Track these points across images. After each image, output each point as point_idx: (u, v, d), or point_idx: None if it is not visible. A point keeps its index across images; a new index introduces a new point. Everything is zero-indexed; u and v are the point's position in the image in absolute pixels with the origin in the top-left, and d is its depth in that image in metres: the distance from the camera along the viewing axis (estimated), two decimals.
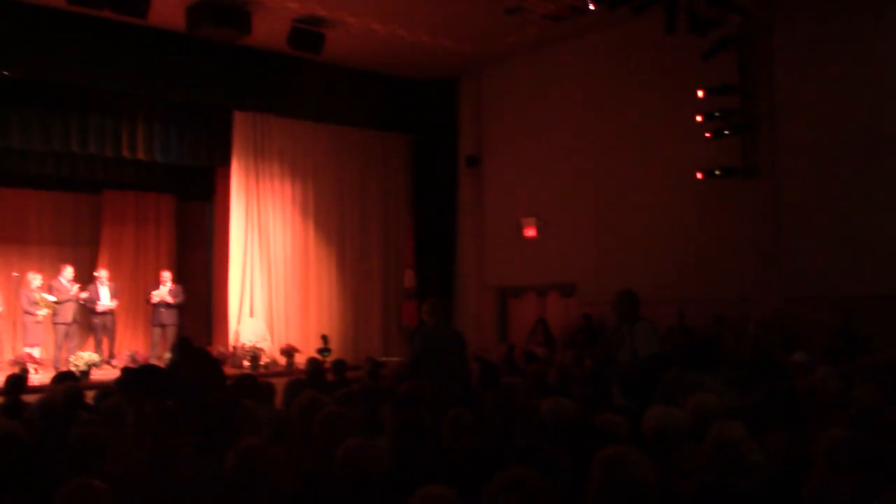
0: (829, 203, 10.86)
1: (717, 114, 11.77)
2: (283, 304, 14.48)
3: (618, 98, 13.29)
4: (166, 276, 13.95)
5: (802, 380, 6.65)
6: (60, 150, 12.92)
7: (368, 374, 9.30)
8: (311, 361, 9.24)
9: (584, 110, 13.79)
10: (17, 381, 7.97)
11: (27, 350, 12.38)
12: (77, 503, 3.04)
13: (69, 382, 7.20)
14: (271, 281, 14.36)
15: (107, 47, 12.06)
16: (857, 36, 10.75)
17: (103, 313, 13.42)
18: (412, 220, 16.02)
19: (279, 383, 7.29)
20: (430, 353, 7.27)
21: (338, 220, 15.31)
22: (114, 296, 13.64)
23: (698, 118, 11.90)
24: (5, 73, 11.54)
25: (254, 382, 6.68)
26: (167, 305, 13.64)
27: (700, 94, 11.83)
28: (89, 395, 7.13)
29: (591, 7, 11.33)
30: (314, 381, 7.92)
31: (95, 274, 13.83)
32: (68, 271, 13.17)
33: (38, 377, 10.91)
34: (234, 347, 13.58)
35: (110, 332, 13.66)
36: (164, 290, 13.69)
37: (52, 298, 12.68)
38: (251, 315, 14.05)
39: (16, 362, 11.93)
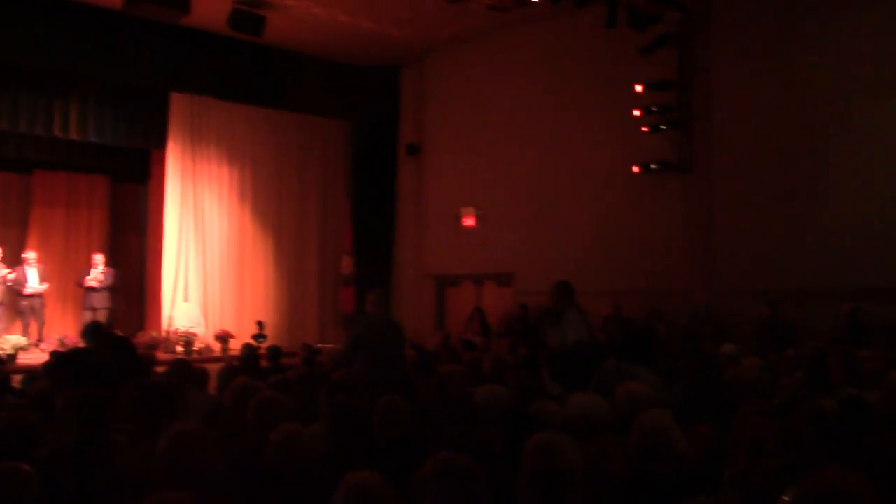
0: (760, 199, 11.13)
1: (654, 109, 11.97)
2: (219, 289, 14.32)
3: (558, 90, 13.41)
4: (98, 258, 13.63)
5: (730, 370, 6.85)
6: None
7: (304, 360, 9.27)
8: (246, 347, 9.16)
9: (524, 101, 13.88)
10: None
11: None
12: (4, 488, 2.98)
13: None
14: (206, 266, 14.18)
15: (40, 24, 11.74)
16: (791, 35, 11.02)
17: (31, 296, 13.09)
18: (351, 207, 15.96)
19: (213, 369, 7.22)
20: (368, 341, 7.28)
21: (275, 206, 15.17)
22: (43, 279, 13.30)
23: (636, 112, 12.08)
24: None
25: (188, 367, 6.61)
26: (98, 289, 13.35)
27: (638, 88, 12.01)
28: (16, 380, 6.98)
29: None
30: (248, 366, 7.86)
31: (24, 256, 13.47)
32: None
33: None
34: (167, 332, 13.39)
35: (39, 316, 13.32)
36: (97, 273, 13.40)
37: None
38: (185, 300, 13.87)
39: None
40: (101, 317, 13.20)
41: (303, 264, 15.46)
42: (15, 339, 11.69)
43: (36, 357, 11.30)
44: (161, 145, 13.95)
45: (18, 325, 13.23)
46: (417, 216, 15.74)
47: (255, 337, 12.90)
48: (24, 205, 15.33)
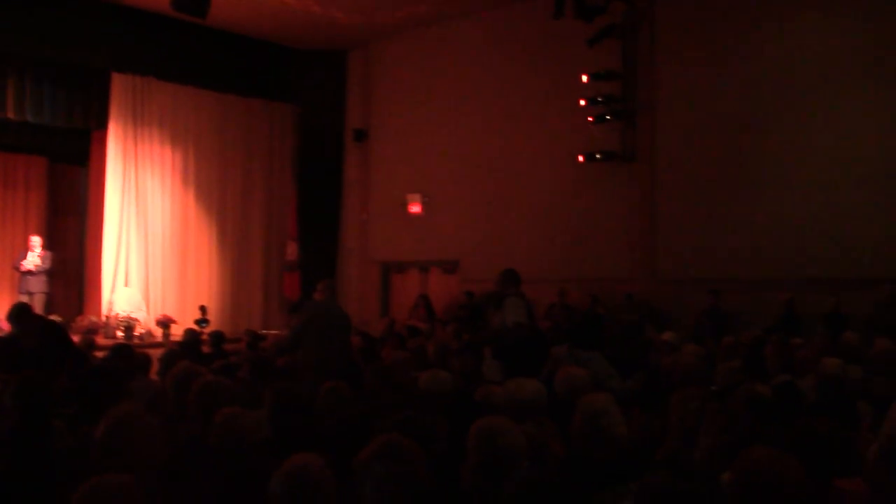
0: (702, 189, 11.34)
1: (599, 99, 12.10)
2: (161, 273, 14.10)
3: (505, 79, 13.47)
4: (36, 241, 13.30)
5: (669, 357, 6.99)
6: None
7: (248, 346, 9.21)
8: (188, 332, 9.08)
9: (471, 89, 13.92)
10: None
11: None
12: None
13: None
14: (148, 249, 13.94)
15: None
16: (733, 28, 11.23)
17: None
18: (296, 192, 15.83)
19: (155, 355, 7.15)
20: (314, 327, 7.29)
21: (219, 190, 14.98)
22: None
23: (582, 102, 12.19)
24: None
25: (130, 352, 6.53)
26: (35, 272, 13.04)
27: (584, 78, 12.13)
28: None
29: None
30: (189, 351, 7.79)
31: None
32: None
33: None
34: (107, 317, 13.15)
35: None
36: (33, 257, 13.09)
37: None
38: (126, 284, 13.62)
39: None
40: (38, 301, 12.90)
41: (247, 249, 15.30)
42: None
43: None
44: (102, 126, 13.65)
45: None
46: (363, 202, 15.70)
47: (197, 322, 12.75)
48: None
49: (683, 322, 10.68)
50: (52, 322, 8.42)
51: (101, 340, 11.22)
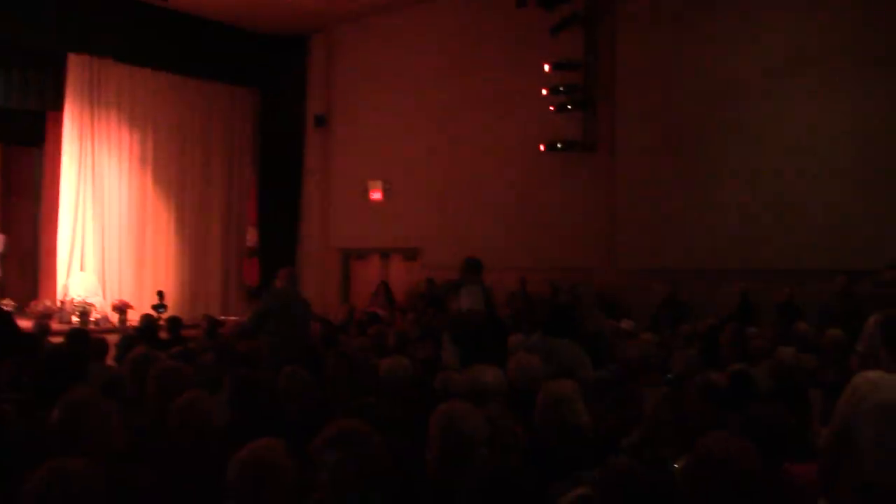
0: (661, 180, 11.45)
1: (561, 88, 12.15)
2: (117, 258, 13.92)
3: (468, 66, 13.46)
4: None
5: (626, 345, 7.08)
6: None
7: (206, 332, 9.13)
8: (145, 317, 8.98)
9: (434, 76, 13.89)
10: None
11: None
12: None
13: None
14: (105, 234, 13.75)
15: None
16: (692, 19, 11.33)
17: None
18: (256, 178, 15.70)
19: (111, 341, 7.07)
20: (274, 313, 7.28)
21: (178, 174, 14.81)
22: None
23: (544, 91, 12.24)
24: None
25: (86, 337, 6.44)
26: None
27: (546, 68, 12.17)
28: None
29: None
30: (147, 337, 7.71)
31: None
32: None
33: None
34: (62, 302, 12.96)
35: None
36: None
37: None
38: (82, 269, 13.43)
39: None
40: None
41: (206, 234, 15.16)
42: None
43: None
44: (58, 108, 13.41)
45: None
46: (324, 188, 15.62)
47: (155, 307, 12.63)
48: None
49: (642, 311, 10.81)
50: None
51: (56, 325, 11.04)
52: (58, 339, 7.69)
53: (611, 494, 2.77)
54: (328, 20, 14.96)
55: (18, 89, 12.92)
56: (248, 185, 15.68)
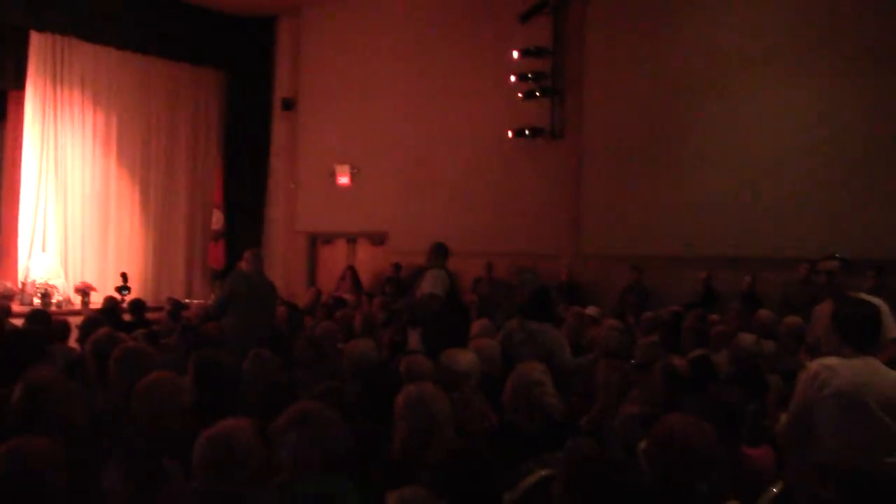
0: (627, 167, 11.54)
1: (529, 75, 12.18)
2: (80, 240, 13.72)
3: (437, 51, 13.43)
4: None
5: (591, 331, 7.17)
6: None
7: (170, 315, 9.08)
8: (108, 299, 8.90)
9: (402, 60, 13.84)
10: None
11: None
12: None
13: None
14: (67, 215, 13.55)
15: None
16: (663, 7, 11.39)
17: None
18: (222, 160, 15.55)
19: (73, 323, 7.00)
20: (240, 295, 7.26)
21: (143, 155, 14.62)
22: None
23: (512, 78, 12.26)
24: None
25: (47, 319, 6.38)
26: None
27: (515, 54, 12.19)
28: None
29: None
30: (110, 318, 7.64)
31: None
32: None
33: None
34: (23, 284, 12.78)
35: None
36: None
37: None
38: (43, 250, 13.24)
39: None
40: None
41: (170, 216, 15.00)
42: None
43: None
44: (19, 86, 13.15)
45: None
46: (291, 172, 15.53)
47: (118, 289, 12.49)
48: None
49: (607, 297, 10.92)
50: None
51: (17, 308, 10.90)
52: (18, 322, 7.60)
53: (574, 477, 2.81)
54: (296, 2, 14.84)
55: None
56: (213, 168, 15.51)
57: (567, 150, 12.09)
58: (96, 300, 12.04)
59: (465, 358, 4.65)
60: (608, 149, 11.71)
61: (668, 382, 4.64)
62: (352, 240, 14.93)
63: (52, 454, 2.57)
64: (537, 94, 12.16)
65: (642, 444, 3.26)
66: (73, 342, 6.70)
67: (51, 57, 13.30)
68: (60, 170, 13.48)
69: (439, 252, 7.60)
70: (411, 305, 7.48)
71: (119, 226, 14.29)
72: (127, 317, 8.88)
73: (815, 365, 3.69)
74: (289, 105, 15.41)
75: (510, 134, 12.31)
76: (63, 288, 12.92)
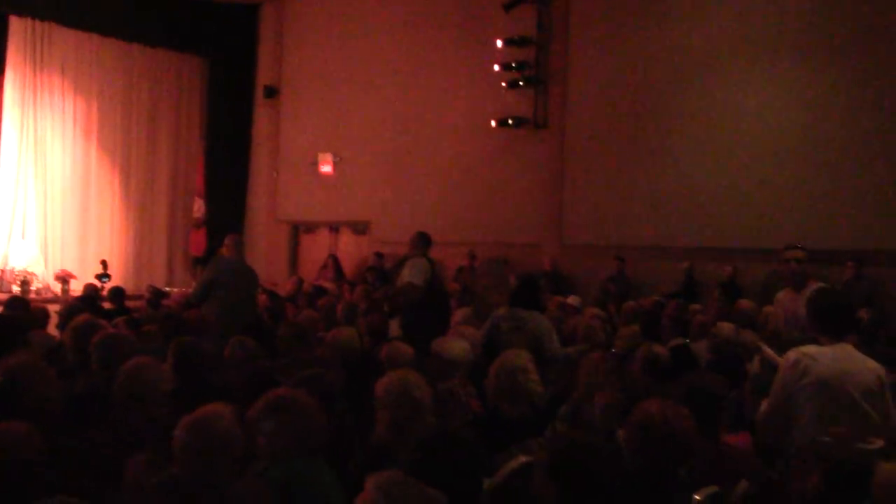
0: (609, 158, 11.57)
1: (513, 65, 12.17)
2: (60, 227, 13.61)
3: (420, 40, 13.40)
4: None
5: (572, 320, 7.20)
6: None
7: (149, 303, 9.04)
8: (88, 287, 8.84)
9: (385, 49, 13.80)
10: None
11: None
12: None
13: None
14: (47, 202, 13.43)
15: None
16: (645, 1, 11.41)
17: None
18: (204, 148, 15.44)
19: (52, 311, 6.96)
20: (221, 282, 7.21)
21: (123, 142, 14.50)
22: None
23: (496, 67, 12.25)
24: None
25: (26, 305, 6.34)
26: None
27: (499, 44, 12.18)
28: None
29: None
30: (89, 306, 7.59)
31: None
32: None
33: None
34: (2, 271, 12.68)
35: None
36: None
37: None
38: (23, 237, 13.13)
39: None
40: None
41: (152, 204, 14.90)
42: None
43: None
44: None
45: None
46: (273, 160, 15.47)
47: (98, 277, 12.41)
48: None
49: (589, 287, 10.97)
50: None
51: None
52: None
53: (554, 463, 2.83)
54: None
55: None
56: (195, 156, 15.42)
57: (550, 139, 12.10)
58: (76, 288, 11.96)
59: (456, 346, 4.67)
60: (591, 139, 11.73)
61: (649, 370, 4.68)
62: (334, 228, 14.89)
63: (29, 439, 2.56)
64: (521, 83, 12.16)
65: (622, 431, 3.28)
66: (52, 329, 6.67)
67: (31, 42, 13.17)
68: (40, 156, 13.36)
69: (421, 241, 7.61)
70: (391, 295, 7.49)
71: (99, 213, 14.18)
72: (107, 304, 8.82)
73: (794, 353, 3.72)
74: (271, 93, 15.33)
75: (493, 123, 12.30)
76: (42, 275, 12.84)
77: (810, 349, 3.71)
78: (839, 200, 9.67)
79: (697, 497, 2.81)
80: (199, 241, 14.83)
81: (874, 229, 9.36)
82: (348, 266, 13.79)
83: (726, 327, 5.96)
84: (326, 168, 14.56)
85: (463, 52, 12.86)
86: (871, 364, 3.71)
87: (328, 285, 11.83)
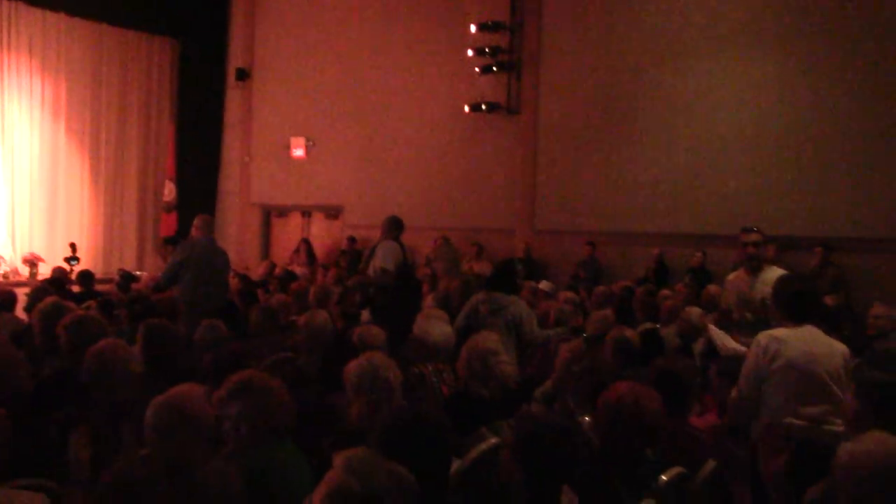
0: (581, 144, 11.61)
1: (486, 50, 12.16)
2: (28, 210, 13.43)
3: (394, 24, 13.35)
4: None
5: (544, 304, 7.25)
6: None
7: (119, 286, 8.96)
8: (56, 270, 8.75)
9: (358, 32, 13.73)
10: None
11: None
12: None
13: None
14: (14, 185, 13.24)
15: None
16: None
17: None
18: (175, 131, 15.28)
19: (20, 294, 6.89)
20: (191, 264, 7.15)
21: (93, 124, 14.32)
22: None
23: (469, 52, 12.24)
24: None
25: None
26: None
27: (472, 29, 12.16)
28: None
29: None
30: (58, 289, 7.51)
31: None
32: None
33: None
34: None
35: None
36: None
37: None
38: None
39: None
40: None
41: (121, 187, 14.75)
42: None
43: None
44: None
45: None
46: (245, 143, 15.36)
47: (67, 260, 12.28)
48: None
49: (561, 272, 11.03)
50: None
51: None
52: None
53: (522, 443, 2.86)
54: None
55: None
56: (166, 139, 15.26)
57: (523, 125, 12.12)
58: (44, 271, 11.82)
59: (438, 330, 4.69)
60: (564, 125, 11.77)
61: (619, 354, 4.73)
62: (306, 213, 14.85)
63: None
64: (494, 68, 12.15)
65: (590, 412, 3.31)
66: (20, 312, 6.61)
67: None
68: (7, 137, 13.16)
69: (393, 225, 7.62)
70: (362, 283, 7.48)
71: (68, 196, 14.01)
72: (75, 288, 8.74)
73: (763, 338, 3.77)
74: (243, 75, 15.21)
75: (466, 108, 12.30)
76: (10, 259, 12.70)
77: (779, 332, 3.76)
78: (808, 188, 9.79)
79: (664, 477, 2.85)
80: (169, 225, 14.69)
81: (842, 217, 9.49)
82: (320, 251, 13.76)
83: (694, 312, 6.03)
84: (299, 152, 14.50)
85: (437, 37, 12.83)
86: (838, 345, 3.77)
87: (300, 270, 11.80)
